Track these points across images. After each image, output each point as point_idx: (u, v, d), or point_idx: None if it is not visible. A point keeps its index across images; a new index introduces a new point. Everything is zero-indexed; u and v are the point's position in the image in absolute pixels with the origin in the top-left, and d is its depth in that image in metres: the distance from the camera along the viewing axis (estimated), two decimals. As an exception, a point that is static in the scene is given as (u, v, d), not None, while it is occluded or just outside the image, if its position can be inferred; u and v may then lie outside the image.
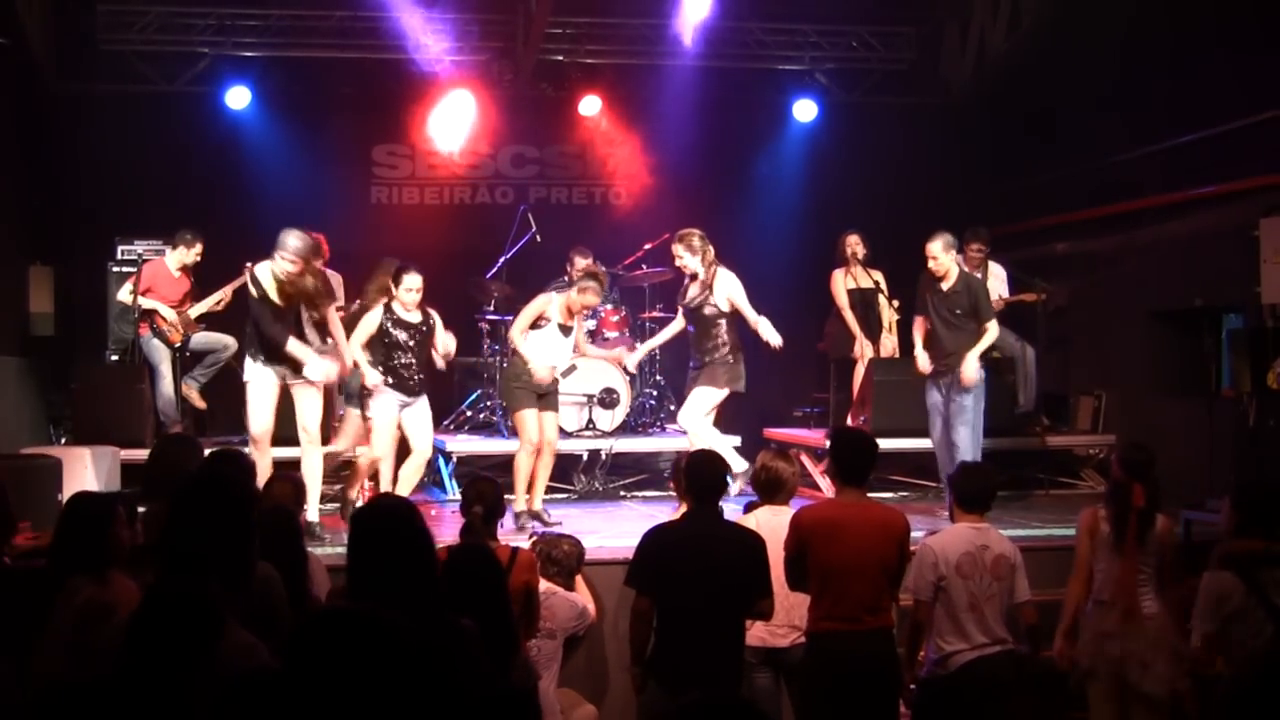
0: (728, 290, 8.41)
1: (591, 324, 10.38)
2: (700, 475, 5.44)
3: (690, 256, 8.46)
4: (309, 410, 7.95)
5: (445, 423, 10.38)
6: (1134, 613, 5.50)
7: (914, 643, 5.56)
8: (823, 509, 5.66)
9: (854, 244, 9.97)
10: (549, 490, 9.59)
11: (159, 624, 3.16)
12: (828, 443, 8.08)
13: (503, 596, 4.14)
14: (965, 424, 8.32)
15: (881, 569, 5.28)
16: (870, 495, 5.77)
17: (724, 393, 8.42)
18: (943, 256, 8.43)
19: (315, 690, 2.59)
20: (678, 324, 8.91)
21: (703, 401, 8.43)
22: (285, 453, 9.04)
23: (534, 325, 8.51)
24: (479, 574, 4.07)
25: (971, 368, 8.23)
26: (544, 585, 5.79)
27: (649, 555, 5.31)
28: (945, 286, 8.50)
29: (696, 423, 8.44)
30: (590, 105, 12.23)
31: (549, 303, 8.61)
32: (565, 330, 8.59)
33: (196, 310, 9.65)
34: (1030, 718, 5.75)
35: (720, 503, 5.45)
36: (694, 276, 8.51)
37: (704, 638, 5.18)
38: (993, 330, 8.46)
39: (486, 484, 5.76)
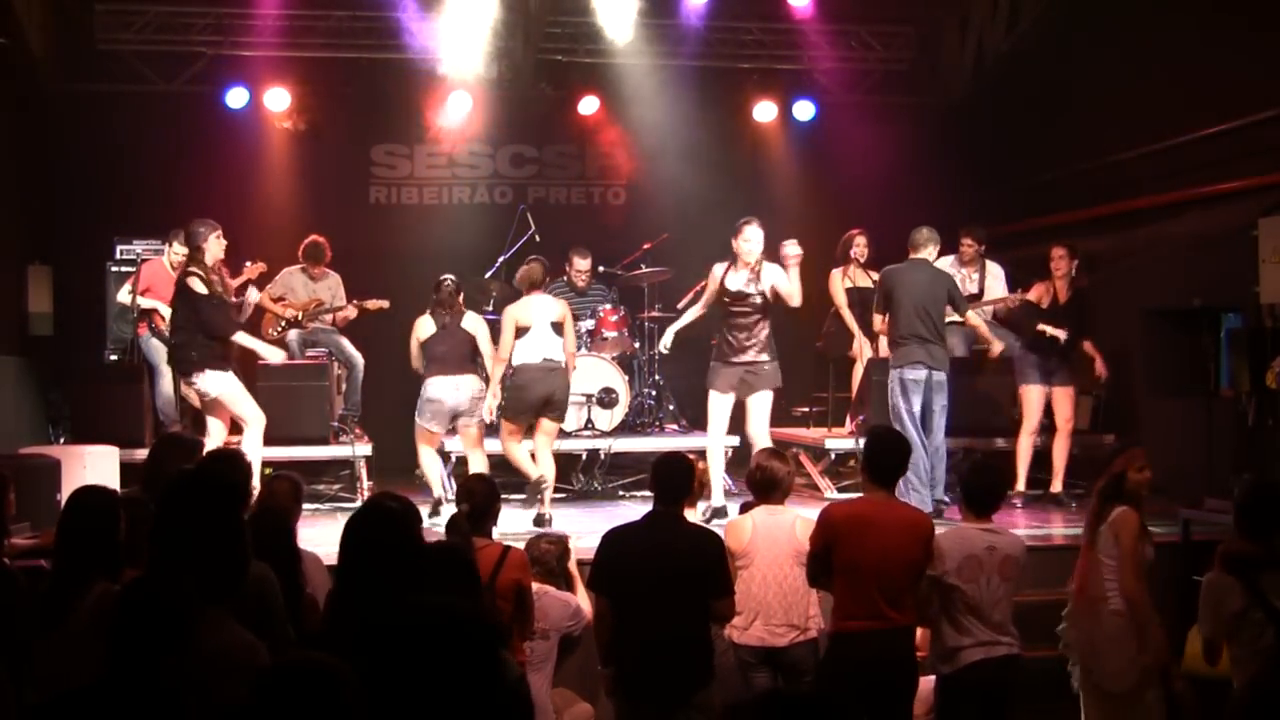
0: (772, 278, 8.24)
1: (590, 323, 10.38)
2: (665, 477, 5.42)
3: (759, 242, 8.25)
4: None
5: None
6: (1095, 604, 5.50)
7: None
8: (853, 505, 5.63)
9: (860, 245, 9.99)
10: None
11: (128, 624, 3.15)
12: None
13: (474, 596, 4.11)
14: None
15: (907, 567, 5.27)
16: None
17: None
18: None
19: None
20: (695, 311, 8.70)
21: (768, 410, 8.34)
22: (286, 453, 9.08)
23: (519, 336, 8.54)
24: (447, 572, 4.04)
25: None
26: (535, 586, 5.77)
27: (605, 557, 5.32)
28: None
29: (767, 435, 8.27)
30: (589, 105, 12.24)
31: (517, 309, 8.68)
32: (521, 330, 8.51)
33: (195, 310, 9.63)
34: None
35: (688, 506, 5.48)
36: (745, 265, 8.26)
37: (664, 643, 5.16)
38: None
39: (478, 482, 5.73)
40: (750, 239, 8.20)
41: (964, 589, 5.34)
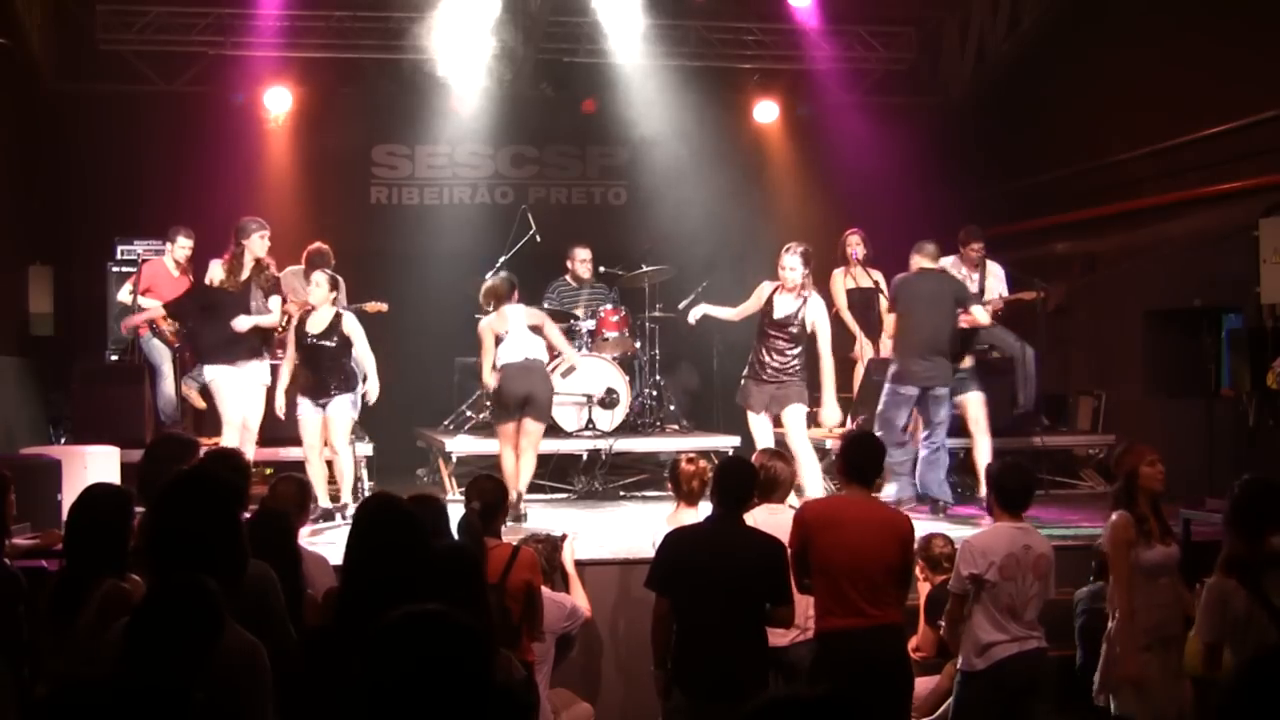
0: (816, 315, 8.35)
1: (591, 324, 10.39)
2: (730, 480, 5.43)
3: (803, 269, 8.28)
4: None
5: (445, 423, 10.38)
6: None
7: (953, 631, 5.57)
8: (824, 504, 5.71)
9: (854, 244, 9.98)
10: (550, 490, 9.63)
11: (161, 621, 3.14)
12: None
13: (480, 596, 4.11)
14: None
15: (883, 566, 5.27)
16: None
17: None
18: None
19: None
20: (733, 313, 8.74)
21: (804, 419, 8.41)
22: (287, 453, 9.07)
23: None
24: (453, 573, 4.04)
25: None
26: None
27: (666, 557, 5.32)
28: None
29: (807, 444, 8.39)
30: (589, 105, 12.23)
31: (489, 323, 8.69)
32: (499, 340, 8.58)
33: (196, 310, 9.65)
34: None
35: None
36: (791, 290, 8.31)
37: (724, 643, 5.16)
38: None
39: (488, 482, 5.72)
40: (786, 266, 8.28)
41: (1004, 586, 5.36)
